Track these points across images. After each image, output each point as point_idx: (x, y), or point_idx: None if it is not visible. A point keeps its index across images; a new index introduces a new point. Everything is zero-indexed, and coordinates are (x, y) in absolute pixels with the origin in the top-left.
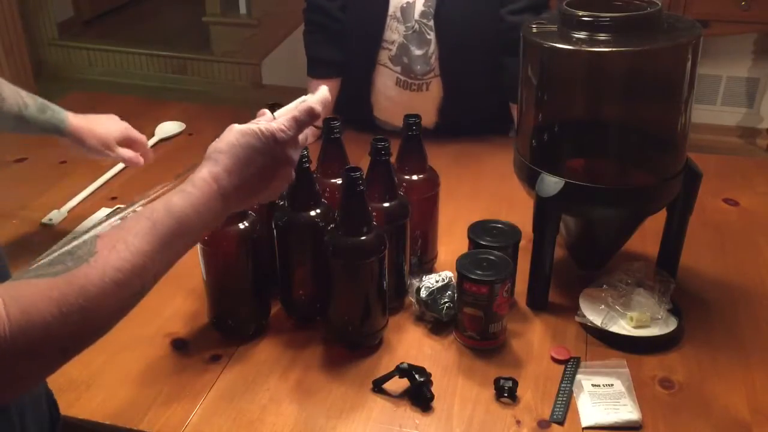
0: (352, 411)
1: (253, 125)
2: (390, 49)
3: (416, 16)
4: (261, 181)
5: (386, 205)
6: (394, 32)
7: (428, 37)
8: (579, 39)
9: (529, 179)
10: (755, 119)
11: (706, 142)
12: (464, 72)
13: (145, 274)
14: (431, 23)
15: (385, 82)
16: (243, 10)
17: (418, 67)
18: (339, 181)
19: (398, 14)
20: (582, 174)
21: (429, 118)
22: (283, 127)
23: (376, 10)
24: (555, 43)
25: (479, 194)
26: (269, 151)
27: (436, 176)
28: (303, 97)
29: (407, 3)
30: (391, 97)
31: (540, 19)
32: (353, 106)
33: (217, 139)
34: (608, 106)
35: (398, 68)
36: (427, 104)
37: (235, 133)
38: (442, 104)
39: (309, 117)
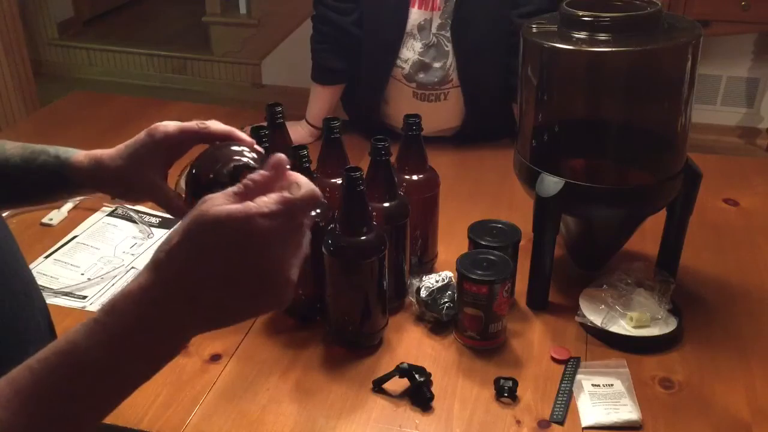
0: (352, 411)
1: (221, 205)
2: (403, 68)
3: (434, 29)
4: (233, 293)
5: (386, 205)
6: (410, 50)
7: (446, 48)
8: (579, 39)
9: (529, 179)
10: (755, 119)
11: (706, 142)
12: (482, 79)
13: None
14: (448, 34)
15: (401, 97)
16: (243, 10)
17: (435, 79)
18: (339, 181)
19: (415, 31)
20: (582, 174)
21: (450, 126)
22: (265, 209)
23: (394, 28)
24: (555, 43)
25: (479, 194)
26: (242, 247)
27: (436, 176)
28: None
29: (424, 20)
30: (408, 110)
31: (540, 19)
32: (368, 116)
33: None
34: (608, 106)
35: (413, 84)
36: (447, 113)
37: (192, 219)
38: (464, 112)
39: (309, 200)
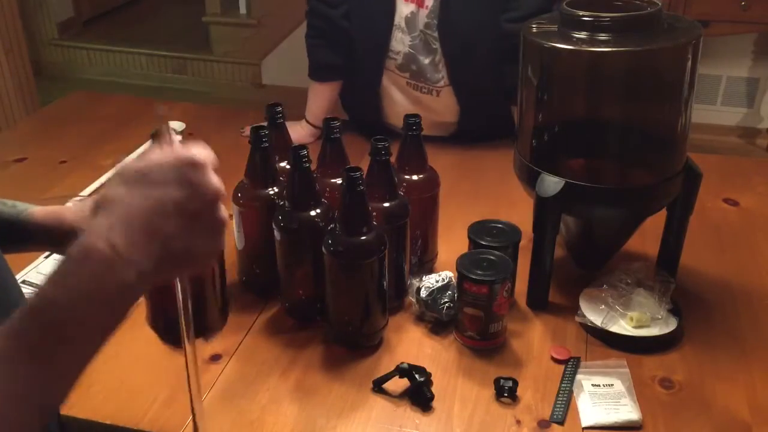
0: (352, 411)
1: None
2: (396, 59)
3: (420, 26)
4: (172, 223)
5: (386, 205)
6: (400, 43)
7: (434, 46)
8: (579, 39)
9: (529, 179)
10: (755, 119)
11: (706, 142)
12: (474, 79)
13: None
14: (436, 34)
15: (395, 88)
16: (243, 10)
17: (428, 74)
18: (339, 181)
19: (403, 25)
20: (582, 174)
21: (447, 120)
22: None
23: (382, 21)
24: (555, 43)
25: (479, 194)
26: (176, 174)
27: (436, 176)
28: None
29: (411, 13)
30: (403, 102)
31: (540, 19)
32: (363, 112)
33: None
34: (608, 106)
35: (406, 74)
36: (441, 110)
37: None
38: (458, 112)
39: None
